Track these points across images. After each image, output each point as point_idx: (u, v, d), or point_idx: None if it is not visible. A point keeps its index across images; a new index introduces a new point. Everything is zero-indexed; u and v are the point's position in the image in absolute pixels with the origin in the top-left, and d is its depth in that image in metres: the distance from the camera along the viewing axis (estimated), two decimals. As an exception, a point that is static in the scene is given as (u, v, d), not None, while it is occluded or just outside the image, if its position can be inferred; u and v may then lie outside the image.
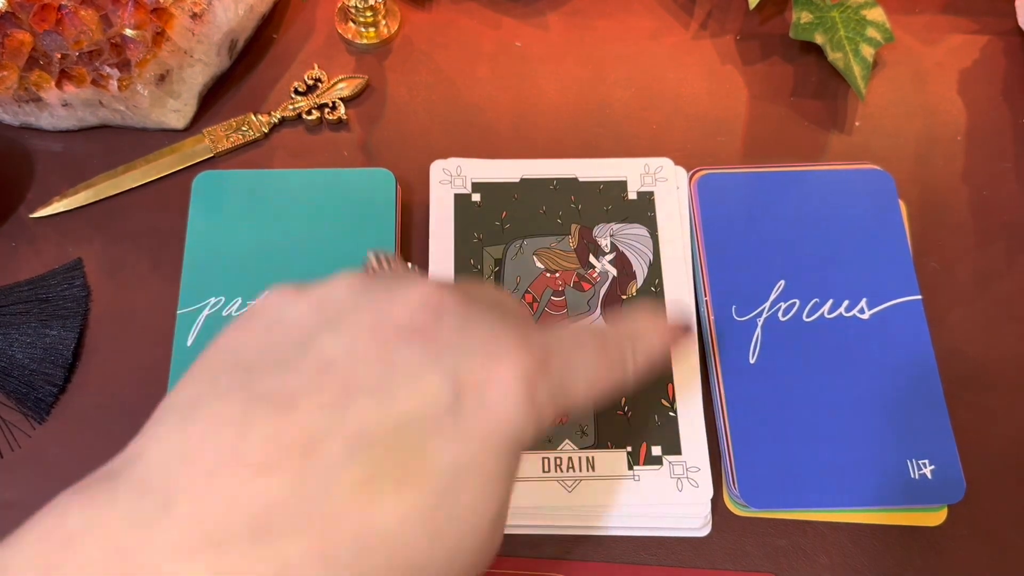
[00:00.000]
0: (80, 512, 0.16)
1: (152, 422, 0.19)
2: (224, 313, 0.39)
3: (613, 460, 0.37)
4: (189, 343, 0.38)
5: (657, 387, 0.38)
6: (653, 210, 0.42)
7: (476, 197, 0.42)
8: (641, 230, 0.42)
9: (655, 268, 0.41)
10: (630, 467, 0.36)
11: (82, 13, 0.41)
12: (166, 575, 0.15)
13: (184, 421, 0.18)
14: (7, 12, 0.41)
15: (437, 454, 0.18)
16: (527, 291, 0.40)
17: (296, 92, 0.46)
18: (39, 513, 0.17)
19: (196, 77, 0.44)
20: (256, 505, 0.16)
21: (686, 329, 0.29)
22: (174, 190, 0.44)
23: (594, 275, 0.41)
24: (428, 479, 0.18)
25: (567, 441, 0.37)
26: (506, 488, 0.20)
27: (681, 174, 0.44)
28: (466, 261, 0.41)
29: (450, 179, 0.43)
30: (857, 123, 0.47)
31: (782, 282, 0.40)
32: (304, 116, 0.46)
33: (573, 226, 0.42)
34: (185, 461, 0.17)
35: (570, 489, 0.36)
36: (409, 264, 0.31)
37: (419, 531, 0.17)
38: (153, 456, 0.17)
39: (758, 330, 0.39)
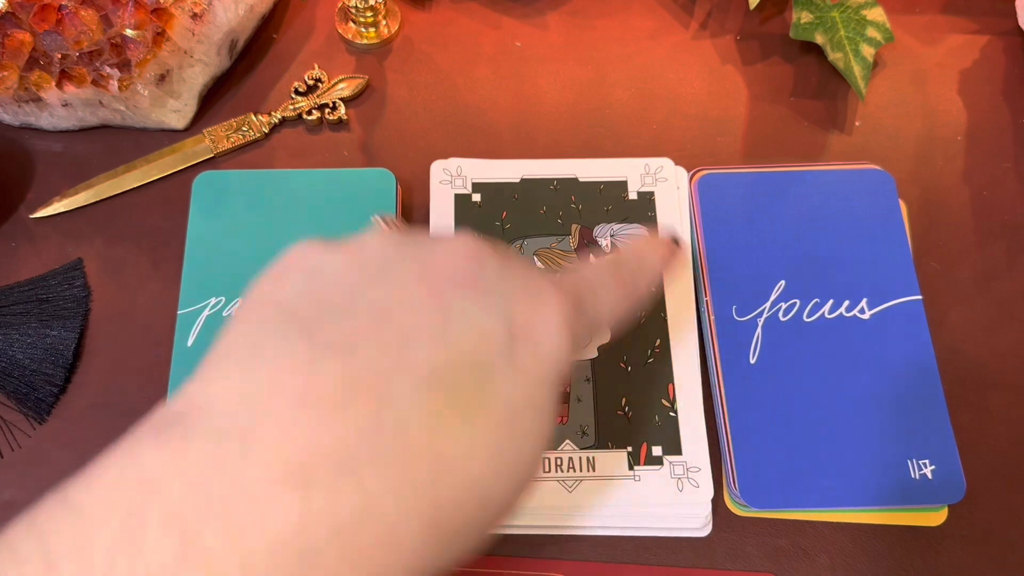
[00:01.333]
0: (156, 456, 0.17)
1: (207, 366, 0.19)
2: (224, 314, 0.39)
3: (614, 460, 0.37)
4: (189, 343, 0.38)
5: (658, 387, 0.38)
6: (653, 210, 0.42)
7: (476, 197, 0.42)
8: (641, 230, 0.42)
9: (655, 268, 0.41)
10: (631, 467, 0.36)
11: (82, 13, 0.41)
12: (256, 513, 0.16)
13: (247, 365, 0.18)
14: (7, 12, 0.41)
15: (498, 390, 0.19)
16: (527, 291, 0.40)
17: (296, 92, 0.46)
18: (104, 459, 0.17)
19: (196, 77, 0.44)
20: (337, 441, 0.17)
21: (676, 242, 0.31)
22: (174, 190, 0.44)
23: (594, 275, 0.41)
24: (492, 412, 0.19)
25: (568, 441, 0.37)
26: (552, 418, 0.21)
27: (681, 174, 0.44)
28: (466, 261, 0.41)
29: (450, 179, 0.43)
30: (857, 123, 0.47)
31: (782, 282, 0.40)
32: (304, 116, 0.46)
33: (573, 226, 0.42)
34: (258, 402, 0.17)
35: (571, 489, 0.36)
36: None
37: (486, 458, 0.19)
38: (220, 398, 0.18)
39: (758, 330, 0.39)
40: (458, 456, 0.18)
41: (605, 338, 0.39)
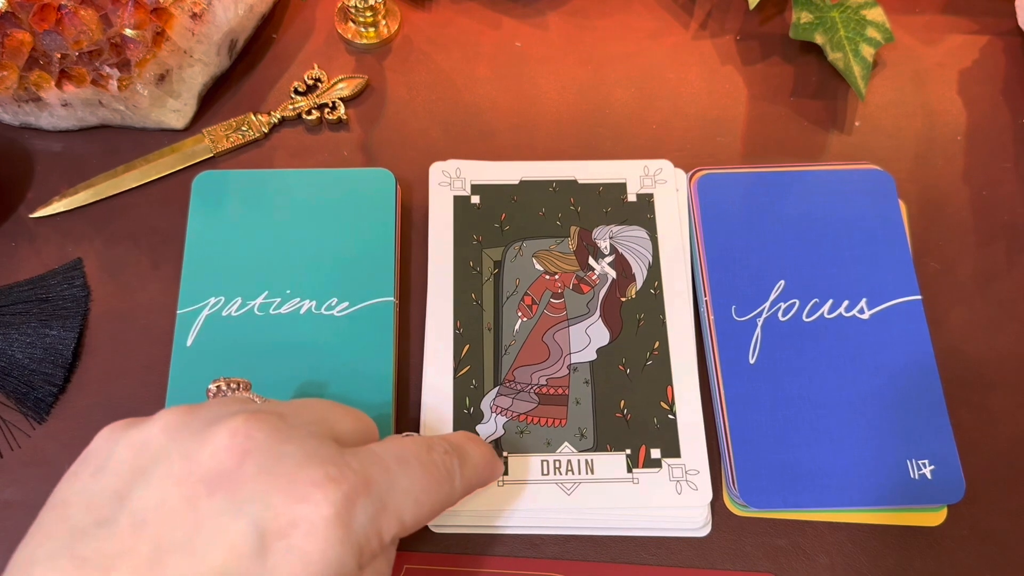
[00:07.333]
0: None
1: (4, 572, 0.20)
2: (224, 313, 0.39)
3: (612, 463, 0.37)
4: (189, 343, 0.38)
5: (656, 390, 0.38)
6: (653, 212, 0.42)
7: (475, 199, 0.42)
8: (640, 232, 0.42)
9: (654, 270, 0.41)
10: (629, 470, 0.36)
11: (82, 13, 0.41)
12: None
13: None
14: (7, 12, 0.41)
15: None
16: (526, 293, 0.40)
17: (296, 92, 0.46)
18: None
19: (196, 77, 0.44)
20: None
21: (496, 464, 0.31)
22: (174, 190, 0.44)
23: (593, 277, 0.41)
24: None
25: (566, 444, 0.37)
26: None
27: (681, 176, 0.43)
28: (465, 263, 0.41)
29: (449, 181, 0.43)
30: (857, 123, 0.47)
31: (782, 282, 0.40)
32: (304, 116, 0.46)
33: (572, 228, 0.42)
34: None
35: (569, 492, 0.36)
36: (251, 392, 0.29)
37: None
38: None
39: (758, 330, 0.39)
40: None
41: (604, 341, 0.39)
